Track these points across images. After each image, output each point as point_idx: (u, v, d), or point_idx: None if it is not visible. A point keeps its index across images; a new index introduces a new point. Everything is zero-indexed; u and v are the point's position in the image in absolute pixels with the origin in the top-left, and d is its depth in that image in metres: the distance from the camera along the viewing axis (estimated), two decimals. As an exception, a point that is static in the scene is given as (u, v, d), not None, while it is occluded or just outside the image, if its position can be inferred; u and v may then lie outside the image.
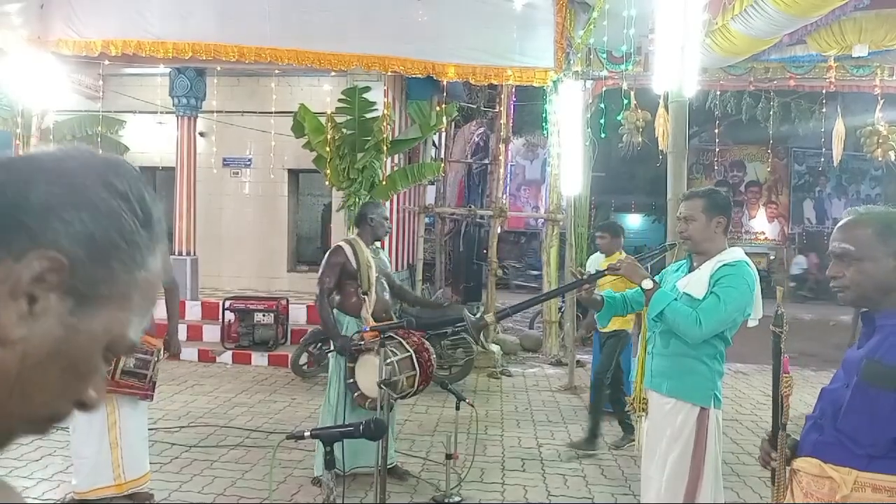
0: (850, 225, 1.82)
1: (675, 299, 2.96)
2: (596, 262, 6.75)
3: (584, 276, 3.21)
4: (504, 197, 11.23)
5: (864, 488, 1.72)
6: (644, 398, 3.28)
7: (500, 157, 10.99)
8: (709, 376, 3.00)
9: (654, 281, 3.05)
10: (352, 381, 4.36)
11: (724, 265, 2.97)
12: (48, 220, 0.60)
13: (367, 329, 4.34)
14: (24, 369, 0.60)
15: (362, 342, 4.32)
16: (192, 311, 9.44)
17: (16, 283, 0.59)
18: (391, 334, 4.39)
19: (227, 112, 10.68)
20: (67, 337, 0.61)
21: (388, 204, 8.78)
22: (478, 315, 3.40)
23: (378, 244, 4.88)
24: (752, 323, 3.05)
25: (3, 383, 0.60)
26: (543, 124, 10.22)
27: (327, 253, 4.75)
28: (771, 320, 2.02)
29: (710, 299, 2.92)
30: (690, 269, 3.14)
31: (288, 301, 9.04)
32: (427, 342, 4.56)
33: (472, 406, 4.74)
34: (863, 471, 1.72)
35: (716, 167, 21.98)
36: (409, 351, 4.35)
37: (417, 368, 4.34)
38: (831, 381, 1.92)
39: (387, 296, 4.74)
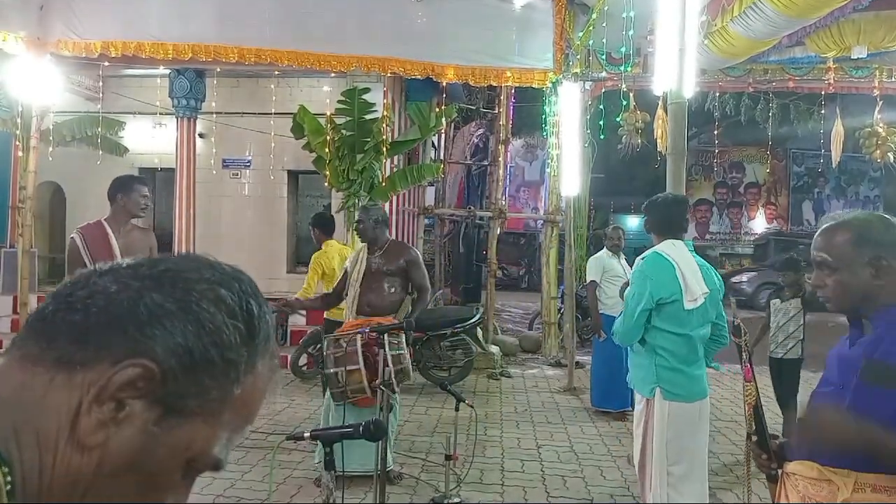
0: (828, 233, 1.79)
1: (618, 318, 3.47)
2: (597, 262, 6.76)
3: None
4: (503, 198, 11.23)
5: (864, 489, 1.71)
6: None
7: (500, 159, 11.00)
8: (651, 370, 3.28)
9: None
10: (328, 371, 4.35)
11: (637, 263, 3.39)
12: (149, 328, 0.60)
13: (367, 329, 4.34)
14: (99, 477, 0.59)
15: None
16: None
17: (104, 388, 0.58)
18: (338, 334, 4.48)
19: (226, 113, 10.67)
20: (147, 448, 0.60)
21: (387, 205, 8.79)
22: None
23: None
24: (688, 305, 3.23)
25: (75, 488, 0.58)
26: (543, 125, 10.22)
27: None
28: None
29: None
30: None
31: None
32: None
33: (472, 407, 4.73)
34: (862, 472, 1.71)
35: (715, 168, 22.01)
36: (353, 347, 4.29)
37: (362, 363, 4.22)
38: (820, 384, 1.91)
39: (377, 292, 4.74)
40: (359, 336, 4.29)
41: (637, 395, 3.43)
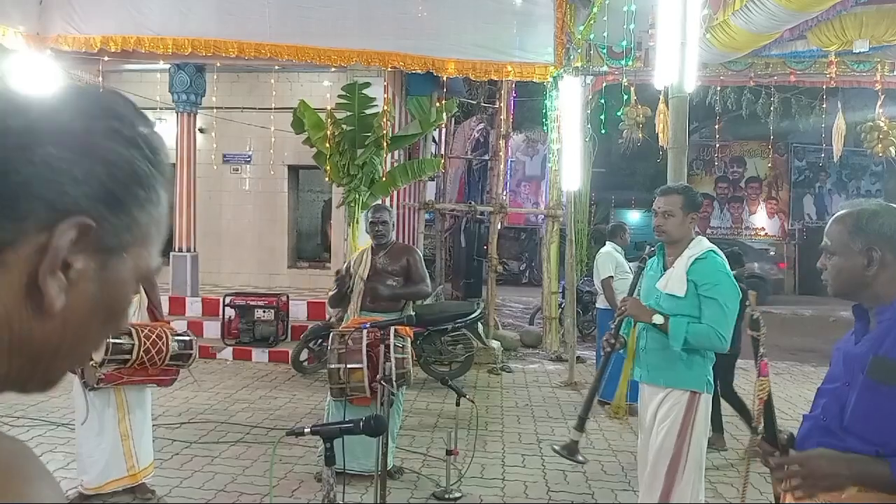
0: (835, 219, 1.87)
1: (689, 322, 3.07)
2: (610, 258, 6.69)
3: (611, 342, 3.30)
4: (504, 193, 11.22)
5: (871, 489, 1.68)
6: (623, 406, 3.45)
7: (500, 153, 10.98)
8: (702, 363, 3.15)
9: (662, 315, 3.12)
10: (331, 367, 4.35)
11: (695, 260, 3.14)
12: (62, 184, 0.59)
13: (368, 324, 4.34)
14: (68, 332, 0.61)
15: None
16: (193, 308, 9.44)
17: (54, 258, 0.58)
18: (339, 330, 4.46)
19: (226, 108, 10.66)
20: (103, 292, 0.62)
21: (388, 200, 8.78)
22: (567, 442, 3.46)
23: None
24: None
25: (49, 348, 0.61)
26: (544, 120, 10.21)
27: None
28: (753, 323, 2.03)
29: (709, 308, 3.07)
30: (665, 266, 3.28)
31: (288, 297, 9.04)
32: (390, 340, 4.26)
33: (473, 402, 4.75)
34: None
35: (716, 163, 21.95)
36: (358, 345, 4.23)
37: (366, 363, 4.22)
38: (826, 380, 1.90)
39: (381, 290, 4.75)
40: (364, 333, 4.28)
41: (671, 392, 3.14)
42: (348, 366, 4.22)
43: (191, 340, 4.23)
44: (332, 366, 4.27)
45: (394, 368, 4.07)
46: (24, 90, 0.63)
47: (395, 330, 4.25)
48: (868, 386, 1.71)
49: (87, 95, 0.65)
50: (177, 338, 4.12)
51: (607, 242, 6.93)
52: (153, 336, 4.01)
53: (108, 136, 0.62)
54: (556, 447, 3.50)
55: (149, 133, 0.66)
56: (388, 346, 4.18)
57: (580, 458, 3.47)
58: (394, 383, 4.09)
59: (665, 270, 3.26)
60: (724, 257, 3.20)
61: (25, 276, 0.58)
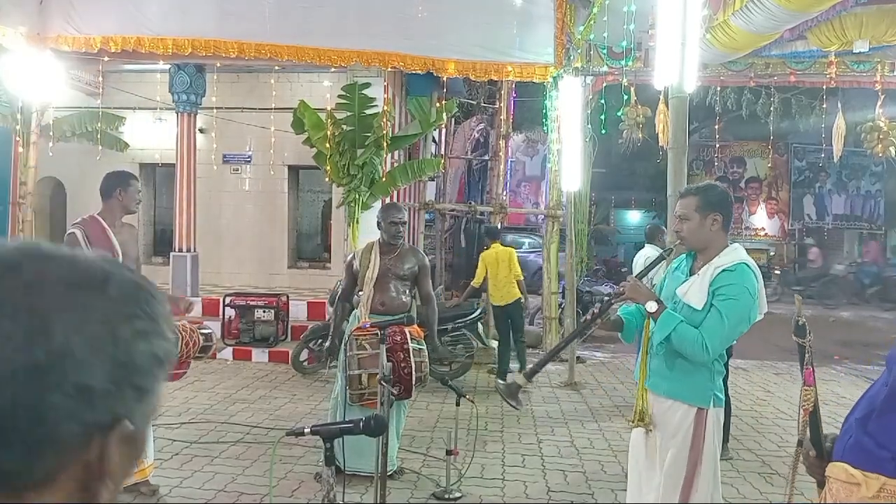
0: None
1: (682, 321, 2.86)
2: (643, 256, 6.65)
3: (595, 313, 3.10)
4: (504, 193, 11.22)
5: (895, 497, 1.63)
6: (647, 415, 3.07)
7: (500, 154, 10.99)
8: (708, 377, 2.93)
9: (658, 301, 2.93)
10: (352, 373, 4.35)
11: (722, 271, 2.87)
12: (97, 403, 0.58)
13: (368, 324, 4.35)
14: None
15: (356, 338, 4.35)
16: (193, 308, 9.43)
17: (103, 472, 0.59)
18: (361, 331, 4.38)
19: (226, 108, 10.66)
20: (126, 468, 0.62)
21: (388, 200, 8.78)
22: (508, 382, 3.29)
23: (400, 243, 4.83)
24: (759, 317, 2.97)
25: None
26: (544, 120, 10.21)
27: None
28: (793, 326, 1.97)
29: (712, 316, 2.83)
30: (691, 270, 3.04)
31: (288, 297, 9.04)
32: (411, 343, 4.35)
33: (473, 402, 4.75)
34: (891, 477, 1.63)
35: (716, 163, 21.97)
36: (377, 350, 4.05)
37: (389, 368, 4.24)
38: (879, 378, 1.82)
39: (392, 293, 4.74)
40: (378, 334, 4.25)
41: (674, 404, 2.96)
42: (370, 371, 4.19)
43: (211, 333, 4.29)
44: (354, 372, 4.24)
45: (414, 371, 4.19)
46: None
47: (411, 333, 4.32)
48: (894, 388, 1.65)
49: (105, 282, 0.61)
50: (200, 330, 4.17)
51: (647, 245, 6.91)
52: (188, 329, 4.06)
53: (130, 331, 0.61)
54: (500, 383, 3.37)
55: (156, 309, 0.64)
56: (407, 351, 4.24)
57: (516, 404, 3.30)
58: (413, 385, 4.30)
59: (691, 275, 3.00)
60: (757, 272, 2.90)
61: (74, 483, 0.59)
